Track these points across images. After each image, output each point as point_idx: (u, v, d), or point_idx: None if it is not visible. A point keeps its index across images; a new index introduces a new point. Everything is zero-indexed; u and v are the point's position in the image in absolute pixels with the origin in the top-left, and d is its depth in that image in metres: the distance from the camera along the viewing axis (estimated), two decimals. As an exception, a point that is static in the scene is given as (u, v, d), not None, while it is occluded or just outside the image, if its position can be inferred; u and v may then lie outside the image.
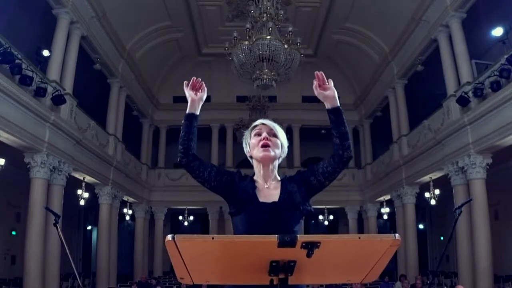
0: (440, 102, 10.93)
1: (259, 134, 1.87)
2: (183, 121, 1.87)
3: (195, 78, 2.00)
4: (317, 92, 1.79)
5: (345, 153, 1.85)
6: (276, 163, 1.91)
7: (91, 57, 12.18)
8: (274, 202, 1.77)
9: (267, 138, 1.85)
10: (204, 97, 2.00)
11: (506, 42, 10.33)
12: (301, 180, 1.85)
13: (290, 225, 1.73)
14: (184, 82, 2.01)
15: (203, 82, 1.99)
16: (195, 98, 1.97)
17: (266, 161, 1.86)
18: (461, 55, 10.03)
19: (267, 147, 1.83)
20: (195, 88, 2.00)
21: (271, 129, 1.88)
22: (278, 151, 1.86)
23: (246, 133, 1.97)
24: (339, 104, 1.80)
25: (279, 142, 1.88)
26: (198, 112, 1.95)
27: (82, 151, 10.94)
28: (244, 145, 1.96)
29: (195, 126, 1.90)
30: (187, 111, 1.94)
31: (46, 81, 9.01)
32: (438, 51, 11.07)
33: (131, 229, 17.75)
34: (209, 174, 1.83)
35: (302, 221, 1.81)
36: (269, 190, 1.83)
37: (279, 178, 1.90)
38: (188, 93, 1.99)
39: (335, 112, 1.79)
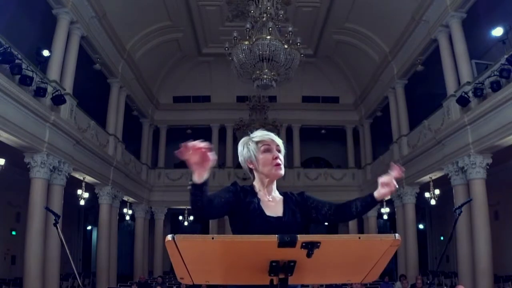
0: (440, 102, 10.93)
1: (268, 150, 1.87)
2: (191, 189, 1.51)
3: (195, 145, 1.42)
4: (383, 184, 1.83)
5: (352, 219, 1.97)
6: None
7: (91, 57, 12.18)
8: (279, 217, 1.80)
9: (279, 157, 1.87)
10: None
11: (506, 42, 10.33)
12: (301, 205, 1.89)
13: None
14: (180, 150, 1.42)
15: (210, 147, 1.44)
16: (202, 169, 1.47)
17: (276, 178, 1.90)
18: (461, 55, 10.03)
19: (279, 165, 1.86)
20: (201, 158, 1.44)
21: (278, 145, 1.90)
22: (283, 166, 1.91)
23: (248, 142, 1.90)
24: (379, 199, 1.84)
25: (282, 157, 1.92)
26: (207, 176, 1.51)
27: (82, 151, 10.94)
28: (245, 153, 1.90)
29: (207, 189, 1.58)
30: (196, 181, 1.48)
31: (46, 81, 9.01)
32: (438, 51, 11.06)
33: (131, 229, 17.75)
34: (222, 211, 1.75)
35: None
36: (273, 204, 1.86)
37: (277, 192, 1.93)
38: (194, 162, 1.44)
39: (376, 203, 1.86)
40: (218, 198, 1.70)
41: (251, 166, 1.89)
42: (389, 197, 1.86)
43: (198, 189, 1.51)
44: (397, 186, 1.81)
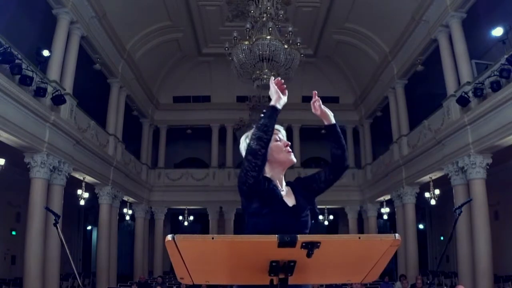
0: (440, 102, 10.93)
1: (278, 139, 1.94)
2: (269, 113, 1.77)
3: (280, 80, 1.89)
4: (314, 111, 1.98)
5: (345, 163, 2.04)
6: None
7: (91, 57, 12.18)
8: (294, 206, 1.85)
9: (289, 145, 1.95)
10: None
11: (506, 42, 10.33)
12: (302, 186, 1.97)
13: (307, 227, 1.85)
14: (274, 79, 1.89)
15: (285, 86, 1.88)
16: (281, 96, 1.84)
17: (288, 165, 1.97)
18: (461, 55, 10.03)
19: (291, 152, 1.94)
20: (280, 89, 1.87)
21: (282, 135, 1.99)
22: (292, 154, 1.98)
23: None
24: (334, 121, 1.98)
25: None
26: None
27: (82, 151, 10.94)
28: (244, 144, 1.96)
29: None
30: (276, 104, 1.80)
31: (46, 81, 9.01)
32: (438, 51, 11.06)
33: (131, 229, 17.75)
34: (263, 171, 1.81)
35: None
36: (287, 194, 1.90)
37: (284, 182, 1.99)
38: (274, 88, 1.85)
39: (331, 128, 2.00)
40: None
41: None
42: (328, 113, 2.05)
43: (275, 113, 1.78)
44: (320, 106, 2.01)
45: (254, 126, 1.78)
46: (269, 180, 1.85)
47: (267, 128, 1.73)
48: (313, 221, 1.91)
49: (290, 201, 1.87)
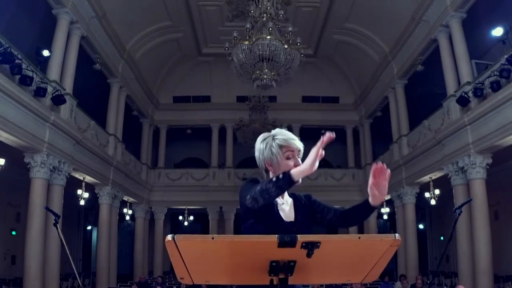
0: (440, 102, 10.93)
1: (291, 157, 1.82)
2: (282, 183, 1.57)
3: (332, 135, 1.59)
4: (372, 185, 1.73)
5: (353, 225, 2.00)
6: None
7: (91, 57, 12.18)
8: (292, 222, 1.82)
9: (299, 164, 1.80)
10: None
11: (506, 42, 10.32)
12: (308, 207, 1.91)
13: None
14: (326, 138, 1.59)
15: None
16: (315, 166, 1.61)
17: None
18: (461, 55, 10.03)
19: None
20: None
21: (299, 151, 1.86)
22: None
23: (272, 143, 1.83)
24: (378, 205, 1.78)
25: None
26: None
27: (82, 151, 10.94)
28: (266, 154, 1.83)
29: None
30: (295, 178, 1.59)
31: (46, 81, 9.01)
32: (438, 51, 11.06)
33: (131, 229, 17.75)
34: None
35: None
36: (286, 208, 1.86)
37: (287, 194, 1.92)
38: (314, 154, 1.60)
39: (372, 210, 1.81)
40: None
41: (269, 168, 1.84)
42: (385, 198, 1.83)
43: (289, 185, 1.59)
44: (384, 190, 1.72)
45: (263, 183, 1.61)
46: None
47: (269, 196, 1.58)
48: None
49: (288, 214, 1.82)
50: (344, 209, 1.92)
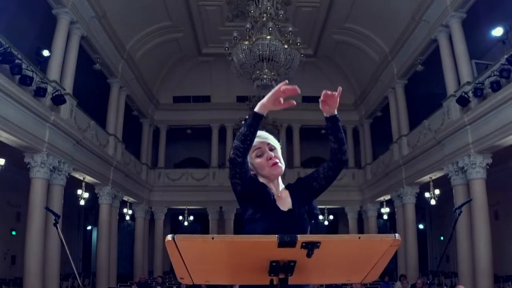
0: (440, 102, 10.93)
1: (261, 154, 1.89)
2: (250, 121, 1.70)
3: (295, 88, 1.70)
4: (322, 105, 1.81)
5: (343, 157, 1.91)
6: None
7: (91, 57, 12.18)
8: (290, 210, 1.84)
9: (274, 157, 1.87)
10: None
11: (506, 42, 10.33)
12: (302, 186, 1.93)
13: (305, 231, 1.83)
14: (284, 86, 1.68)
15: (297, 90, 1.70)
16: (276, 106, 1.72)
17: (277, 177, 1.92)
18: (461, 55, 10.03)
19: (276, 164, 1.88)
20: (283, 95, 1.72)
21: (268, 144, 1.90)
22: (282, 161, 1.91)
23: None
24: (336, 113, 1.83)
25: (279, 152, 1.93)
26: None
27: (82, 151, 10.94)
28: None
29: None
30: (260, 111, 1.69)
31: (46, 81, 9.01)
32: (438, 51, 11.06)
33: (131, 229, 17.75)
34: (247, 176, 1.79)
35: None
36: (283, 198, 1.89)
37: (283, 185, 1.96)
38: (274, 95, 1.69)
39: (333, 120, 1.84)
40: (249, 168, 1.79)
41: (252, 172, 1.90)
42: (335, 112, 1.82)
43: (258, 120, 1.69)
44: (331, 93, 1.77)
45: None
46: (263, 186, 1.85)
47: (244, 137, 1.69)
48: (313, 221, 1.91)
49: (285, 205, 1.85)
50: (326, 160, 1.95)
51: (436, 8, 10.59)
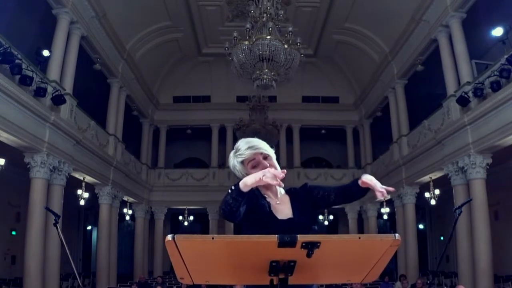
0: (440, 102, 10.93)
1: (256, 165, 1.84)
2: (235, 195, 1.58)
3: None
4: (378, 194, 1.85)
5: (354, 200, 1.98)
6: None
7: (91, 57, 12.18)
8: (290, 219, 1.82)
9: (270, 166, 1.82)
10: None
11: (506, 42, 10.33)
12: (307, 198, 1.90)
13: None
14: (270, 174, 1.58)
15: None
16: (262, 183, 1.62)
17: (274, 185, 1.85)
18: (461, 55, 10.03)
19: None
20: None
21: (262, 153, 1.87)
22: (278, 168, 1.85)
23: (235, 164, 1.89)
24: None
25: (274, 160, 1.89)
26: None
27: (82, 151, 10.94)
28: (237, 174, 1.90)
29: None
30: (244, 190, 1.58)
31: (46, 81, 9.01)
32: (438, 51, 11.06)
33: (131, 229, 17.75)
34: (242, 215, 1.72)
35: None
36: (282, 206, 1.86)
37: (282, 190, 1.93)
38: (258, 182, 1.59)
39: (365, 190, 1.89)
40: (243, 204, 1.68)
41: None
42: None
43: (241, 197, 1.58)
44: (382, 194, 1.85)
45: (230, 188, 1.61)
46: (257, 197, 1.81)
47: (230, 207, 1.59)
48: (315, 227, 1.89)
49: (284, 213, 1.83)
50: (340, 188, 1.92)
51: (436, 8, 10.59)
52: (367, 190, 1.86)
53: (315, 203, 1.90)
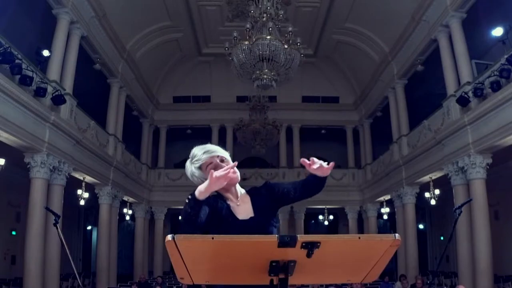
0: (440, 102, 10.93)
1: (214, 168, 1.83)
2: (192, 204, 1.63)
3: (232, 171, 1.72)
4: (314, 170, 1.86)
5: (315, 194, 1.96)
6: None
7: (91, 57, 12.18)
8: (251, 218, 1.84)
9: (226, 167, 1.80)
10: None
11: (506, 42, 10.33)
12: (268, 194, 1.92)
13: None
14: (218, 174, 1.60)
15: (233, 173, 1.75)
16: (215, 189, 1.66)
17: (233, 184, 1.89)
18: (461, 55, 10.03)
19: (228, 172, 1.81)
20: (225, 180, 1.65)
21: (218, 155, 1.90)
22: (236, 169, 1.84)
23: (193, 171, 1.91)
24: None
25: (230, 161, 1.92)
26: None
27: (82, 151, 10.94)
28: (196, 182, 1.90)
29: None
30: (200, 197, 1.61)
31: (46, 81, 9.01)
32: (438, 51, 11.06)
33: (131, 229, 17.74)
34: (205, 223, 1.74)
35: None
36: (242, 206, 1.88)
37: (243, 190, 1.95)
38: (210, 188, 1.61)
39: (321, 180, 1.86)
40: (203, 211, 1.70)
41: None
42: (328, 169, 1.84)
43: (198, 205, 1.62)
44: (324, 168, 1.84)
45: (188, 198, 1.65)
46: (216, 200, 1.82)
47: (189, 216, 1.64)
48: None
49: (245, 212, 1.84)
50: (299, 182, 1.95)
51: (436, 8, 10.59)
52: (325, 179, 1.89)
53: (277, 201, 1.91)
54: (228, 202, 1.88)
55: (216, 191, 1.83)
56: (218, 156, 1.90)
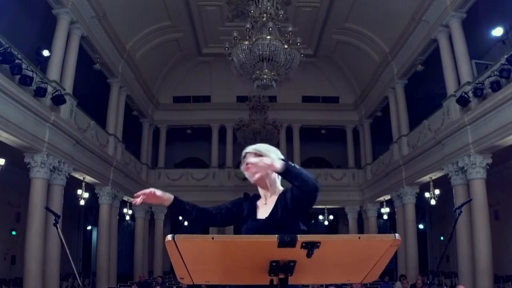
0: (440, 102, 10.93)
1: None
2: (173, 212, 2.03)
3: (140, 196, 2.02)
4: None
5: (307, 190, 1.77)
6: (272, 176, 1.95)
7: (91, 57, 12.17)
8: (265, 218, 1.89)
9: (246, 163, 1.86)
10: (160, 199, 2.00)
11: (506, 42, 10.34)
12: (290, 197, 1.88)
13: None
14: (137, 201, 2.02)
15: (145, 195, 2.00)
16: (157, 202, 1.99)
17: (255, 183, 1.99)
18: (461, 55, 10.03)
19: (247, 170, 1.90)
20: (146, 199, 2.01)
21: (245, 156, 1.99)
22: (261, 168, 1.79)
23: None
24: (279, 167, 1.71)
25: (263, 158, 1.82)
26: (172, 198, 1.99)
27: (82, 151, 10.94)
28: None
29: (182, 205, 2.01)
30: (167, 204, 1.99)
31: (46, 81, 9.01)
32: (438, 51, 11.06)
33: (131, 229, 17.74)
34: (220, 220, 2.02)
35: None
36: (267, 207, 1.92)
37: (281, 189, 1.97)
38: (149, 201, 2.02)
39: (284, 174, 1.74)
40: (218, 208, 1.98)
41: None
42: (267, 164, 1.73)
43: (176, 208, 1.97)
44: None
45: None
46: (249, 199, 2.00)
47: (187, 218, 2.03)
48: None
49: (264, 213, 1.91)
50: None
51: (436, 8, 10.59)
52: (290, 172, 1.75)
53: (294, 204, 1.84)
54: (258, 202, 1.96)
55: (258, 194, 2.04)
56: (244, 157, 2.00)
